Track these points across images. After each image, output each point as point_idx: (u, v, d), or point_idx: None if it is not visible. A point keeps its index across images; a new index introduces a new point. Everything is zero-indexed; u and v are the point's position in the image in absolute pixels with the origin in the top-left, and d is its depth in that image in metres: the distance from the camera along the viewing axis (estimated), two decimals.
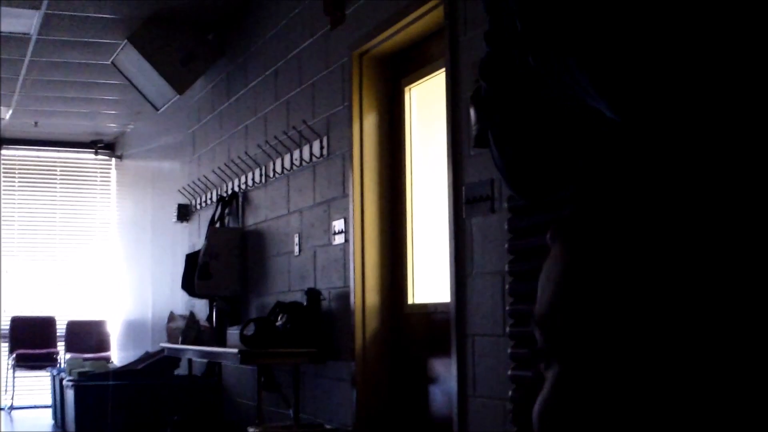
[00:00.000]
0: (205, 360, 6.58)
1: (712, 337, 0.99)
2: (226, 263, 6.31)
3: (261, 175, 6.01)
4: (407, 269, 4.58)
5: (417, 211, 4.59)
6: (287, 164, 5.55)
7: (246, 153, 6.24)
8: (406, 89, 4.67)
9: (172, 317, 6.85)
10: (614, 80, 1.04)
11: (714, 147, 1.06)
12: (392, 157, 4.74)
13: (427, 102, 4.53)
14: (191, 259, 6.64)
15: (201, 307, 6.82)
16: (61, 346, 10.51)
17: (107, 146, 10.96)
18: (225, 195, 6.65)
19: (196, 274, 6.30)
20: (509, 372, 3.14)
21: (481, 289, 3.62)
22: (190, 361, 6.92)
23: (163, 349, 6.85)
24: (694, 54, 1.01)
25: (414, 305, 4.55)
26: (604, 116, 1.08)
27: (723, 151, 1.05)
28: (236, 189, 6.48)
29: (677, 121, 1.06)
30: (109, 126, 10.20)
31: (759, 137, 1.04)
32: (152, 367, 7.13)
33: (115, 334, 10.68)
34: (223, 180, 6.72)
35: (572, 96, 1.09)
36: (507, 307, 3.23)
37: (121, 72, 7.28)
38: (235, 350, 5.07)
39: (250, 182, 6.21)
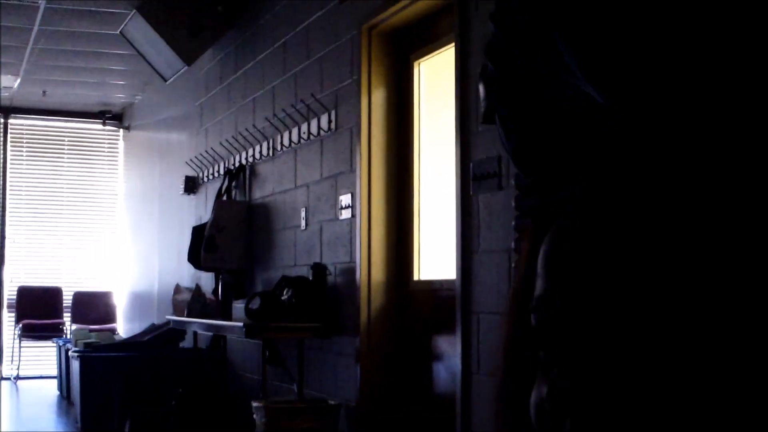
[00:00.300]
0: (210, 333, 6.59)
1: (712, 332, 0.97)
2: (232, 236, 6.30)
3: (268, 149, 5.99)
4: (414, 245, 4.57)
5: (424, 187, 4.57)
6: (295, 138, 5.53)
7: (254, 126, 6.22)
8: (415, 64, 4.63)
9: (178, 289, 6.86)
10: (600, 64, 1.02)
11: (705, 137, 1.04)
12: (400, 133, 4.72)
13: (436, 77, 4.50)
14: (198, 231, 6.63)
15: (207, 280, 6.82)
16: (67, 317, 10.55)
17: (115, 117, 10.95)
18: (232, 168, 6.63)
19: (203, 246, 6.29)
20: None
21: (488, 266, 3.60)
22: (195, 334, 6.93)
23: (168, 322, 6.86)
24: (682, 40, 0.99)
25: (420, 282, 4.54)
26: (602, 114, 1.06)
27: (714, 142, 1.03)
28: (243, 162, 6.46)
29: (663, 108, 1.05)
30: (117, 96, 10.18)
31: (748, 124, 1.03)
32: (158, 340, 7.15)
33: (121, 305, 10.71)
34: (230, 152, 6.70)
35: (572, 95, 1.08)
36: None
37: (129, 42, 7.25)
38: (240, 324, 5.07)
39: (257, 155, 6.19)
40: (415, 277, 4.56)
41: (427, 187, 4.54)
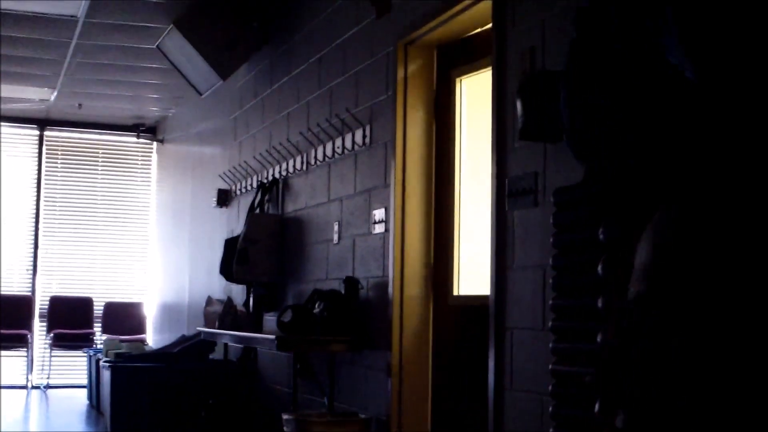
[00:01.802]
0: (241, 345, 6.62)
1: None
2: (264, 249, 6.34)
3: (302, 163, 6.03)
4: (453, 261, 4.57)
5: (465, 203, 4.57)
6: (329, 152, 5.56)
7: (288, 140, 6.26)
8: (457, 80, 4.64)
9: (209, 301, 6.89)
10: (702, 43, 1.04)
11: None
12: (440, 148, 4.72)
13: (478, 93, 4.52)
14: (230, 244, 6.67)
15: (238, 293, 6.86)
16: (97, 327, 10.63)
17: (149, 130, 11.05)
18: (265, 181, 6.67)
19: (235, 259, 6.33)
20: (550, 366, 3.13)
21: (522, 282, 3.60)
22: (225, 346, 6.96)
23: (199, 333, 6.90)
24: None
25: (456, 297, 4.54)
26: (684, 94, 1.08)
27: None
28: (277, 176, 6.50)
29: (752, 92, 1.06)
30: (151, 110, 10.27)
31: None
32: (188, 351, 7.18)
33: (151, 316, 10.77)
34: (263, 166, 6.75)
35: (658, 71, 1.10)
36: (550, 301, 3.21)
37: (165, 56, 7.33)
38: (272, 336, 5.09)
39: (290, 169, 6.23)
40: (454, 293, 4.56)
41: (468, 203, 4.54)
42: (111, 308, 10.75)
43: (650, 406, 1.25)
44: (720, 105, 1.18)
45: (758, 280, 1.18)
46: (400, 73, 4.74)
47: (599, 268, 2.05)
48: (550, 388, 3.12)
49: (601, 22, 1.33)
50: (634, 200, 1.33)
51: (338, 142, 5.42)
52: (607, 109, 1.35)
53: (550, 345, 3.14)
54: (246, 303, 6.62)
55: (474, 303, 4.32)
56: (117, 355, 7.22)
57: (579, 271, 2.92)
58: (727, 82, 1.12)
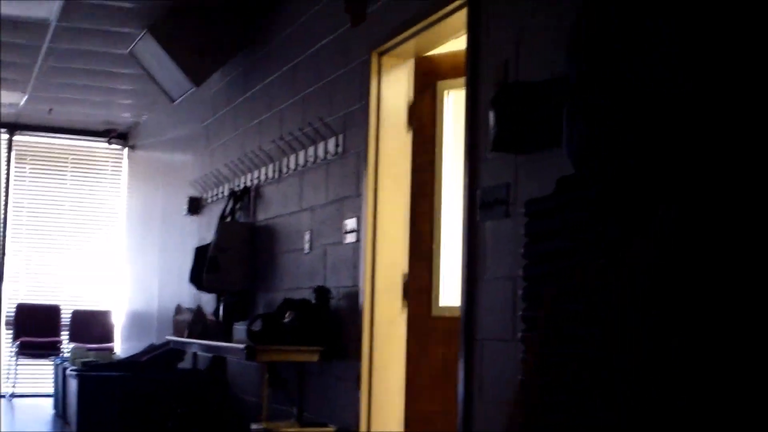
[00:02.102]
0: (210, 354, 6.58)
1: None
2: (235, 258, 6.31)
3: (274, 171, 6.01)
4: (430, 271, 4.56)
5: (448, 215, 4.56)
6: (301, 161, 5.55)
7: (260, 148, 6.24)
8: (445, 92, 4.64)
9: (179, 310, 6.85)
10: (700, 55, 1.06)
11: None
12: (420, 160, 4.71)
13: (457, 103, 4.52)
14: (200, 252, 6.64)
15: (208, 302, 6.82)
16: (65, 335, 10.53)
17: (120, 136, 10.98)
18: (237, 189, 6.65)
19: (205, 267, 6.30)
20: (519, 377, 3.13)
21: (493, 293, 3.61)
22: (195, 355, 6.92)
23: (168, 342, 6.85)
24: None
25: (441, 308, 4.54)
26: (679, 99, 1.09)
27: None
28: (248, 184, 6.48)
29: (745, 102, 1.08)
30: (123, 116, 10.22)
31: None
32: (157, 360, 7.14)
33: (119, 325, 10.69)
34: (235, 174, 6.73)
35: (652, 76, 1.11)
36: (519, 312, 3.22)
37: (138, 62, 7.29)
38: (242, 346, 5.07)
39: (262, 177, 6.21)
40: (434, 304, 4.55)
41: (452, 214, 4.53)
42: (79, 316, 10.66)
43: (650, 406, 1.26)
44: (717, 108, 1.20)
45: (759, 279, 1.20)
46: (374, 83, 4.75)
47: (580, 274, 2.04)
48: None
49: (600, 23, 1.35)
50: (635, 201, 1.34)
51: (311, 150, 5.42)
52: (608, 109, 1.36)
53: (521, 356, 3.15)
54: (216, 312, 6.59)
55: (444, 314, 4.33)
56: (84, 363, 7.16)
57: (549, 281, 2.92)
58: (724, 85, 1.14)
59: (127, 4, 6.62)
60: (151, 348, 7.68)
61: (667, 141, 1.26)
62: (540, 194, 3.23)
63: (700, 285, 1.24)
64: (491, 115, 3.45)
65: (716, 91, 1.21)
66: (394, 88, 4.78)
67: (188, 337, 6.27)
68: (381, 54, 4.74)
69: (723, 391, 1.20)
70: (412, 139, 4.75)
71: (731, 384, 1.20)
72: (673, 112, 1.26)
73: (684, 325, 1.25)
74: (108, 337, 10.60)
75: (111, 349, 9.93)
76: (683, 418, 1.23)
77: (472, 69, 3.82)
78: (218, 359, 6.74)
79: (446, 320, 4.46)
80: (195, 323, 6.30)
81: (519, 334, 3.19)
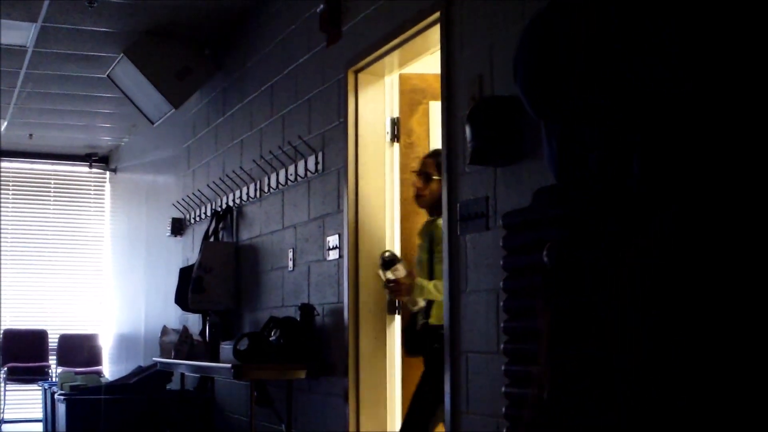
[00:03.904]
0: (197, 375, 6.56)
1: None
2: (219, 278, 6.30)
3: (256, 190, 6.02)
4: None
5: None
6: (282, 179, 5.55)
7: (241, 168, 6.24)
8: (423, 106, 4.66)
9: (165, 331, 6.83)
10: (699, 57, 1.08)
11: None
12: (407, 173, 4.71)
13: (432, 118, 4.54)
14: (185, 273, 6.63)
15: (194, 322, 6.81)
16: (53, 359, 10.48)
17: (102, 159, 10.96)
18: (219, 209, 6.65)
19: (190, 288, 6.29)
20: (503, 389, 3.14)
21: (475, 306, 3.62)
22: (182, 375, 6.90)
23: (155, 364, 6.83)
24: None
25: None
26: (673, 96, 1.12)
27: None
28: (231, 203, 6.48)
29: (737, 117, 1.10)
30: (103, 139, 10.20)
31: None
32: (144, 382, 7.10)
33: (107, 348, 10.64)
34: (217, 194, 6.72)
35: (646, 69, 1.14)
36: (501, 324, 3.23)
37: (116, 85, 7.29)
38: (228, 365, 5.06)
39: (244, 197, 6.21)
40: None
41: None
42: (66, 340, 10.60)
43: (650, 407, 1.26)
44: (717, 107, 1.22)
45: (759, 280, 1.21)
46: (351, 100, 4.76)
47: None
48: (503, 410, 3.14)
49: (601, 22, 1.37)
50: (636, 202, 1.35)
51: (291, 169, 5.42)
52: (608, 109, 1.37)
53: (503, 367, 3.16)
54: (202, 332, 6.57)
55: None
56: (72, 387, 7.12)
57: (529, 294, 2.94)
58: (725, 85, 1.17)
59: (102, 29, 6.62)
60: (139, 370, 7.64)
61: (668, 141, 1.26)
62: (519, 206, 3.25)
63: (700, 285, 1.25)
64: (468, 130, 3.47)
65: (717, 91, 1.23)
66: (372, 105, 4.79)
67: (175, 358, 6.25)
68: (357, 71, 4.76)
69: (723, 391, 1.21)
70: (404, 154, 4.75)
71: (731, 385, 1.21)
72: (673, 112, 1.27)
73: (683, 325, 1.27)
74: (96, 360, 10.55)
75: (99, 372, 9.87)
76: (683, 419, 1.24)
77: (447, 84, 3.84)
78: (206, 379, 6.72)
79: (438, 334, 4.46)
80: (181, 344, 6.28)
81: (502, 346, 3.21)
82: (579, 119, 1.43)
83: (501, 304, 3.26)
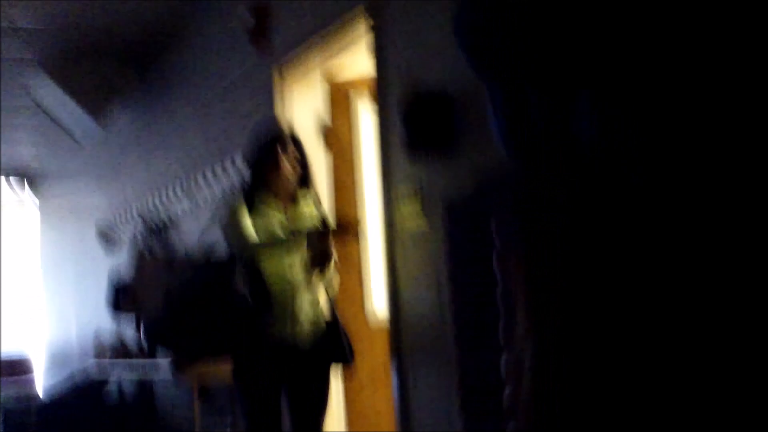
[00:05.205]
0: (135, 377, 6.30)
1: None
2: (153, 292, 6.13)
3: (189, 202, 5.88)
4: (359, 284, 4.49)
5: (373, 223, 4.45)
6: (215, 189, 5.42)
7: (172, 181, 6.10)
8: (348, 112, 4.58)
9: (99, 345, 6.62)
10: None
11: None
12: (338, 179, 4.62)
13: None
14: (117, 287, 6.44)
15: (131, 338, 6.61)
16: None
17: (29, 180, 10.56)
18: (152, 223, 6.47)
19: (120, 301, 6.14)
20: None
21: (416, 299, 3.56)
22: (120, 387, 6.64)
23: (87, 372, 6.56)
24: None
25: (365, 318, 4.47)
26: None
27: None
28: (163, 217, 6.32)
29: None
30: (29, 159, 9.85)
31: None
32: (77, 394, 6.73)
33: (41, 364, 10.26)
34: (149, 208, 6.55)
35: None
36: (450, 317, 3.19)
37: (39, 106, 7.05)
38: (167, 360, 4.82)
39: (177, 209, 6.07)
40: (369, 314, 4.49)
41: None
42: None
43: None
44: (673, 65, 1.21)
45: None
46: (280, 108, 4.65)
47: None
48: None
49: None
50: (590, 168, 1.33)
51: (225, 180, 5.30)
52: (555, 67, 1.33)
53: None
54: (138, 342, 6.36)
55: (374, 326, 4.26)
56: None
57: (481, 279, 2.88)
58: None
59: (21, 55, 6.38)
60: (71, 377, 7.25)
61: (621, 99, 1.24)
62: (454, 195, 3.18)
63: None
64: (400, 124, 3.42)
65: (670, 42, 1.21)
66: (302, 113, 4.65)
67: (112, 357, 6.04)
68: (285, 77, 4.64)
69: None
70: (333, 161, 4.65)
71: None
72: (624, 72, 1.24)
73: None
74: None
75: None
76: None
77: (380, 80, 3.75)
78: (145, 388, 6.49)
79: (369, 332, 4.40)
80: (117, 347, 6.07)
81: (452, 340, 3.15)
82: (524, 78, 1.37)
83: (446, 296, 3.19)
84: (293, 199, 3.47)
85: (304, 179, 3.49)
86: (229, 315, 3.41)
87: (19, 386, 9.26)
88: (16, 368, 10.08)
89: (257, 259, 3.35)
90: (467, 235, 2.98)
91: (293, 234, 3.38)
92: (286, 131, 3.54)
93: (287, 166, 3.42)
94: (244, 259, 3.36)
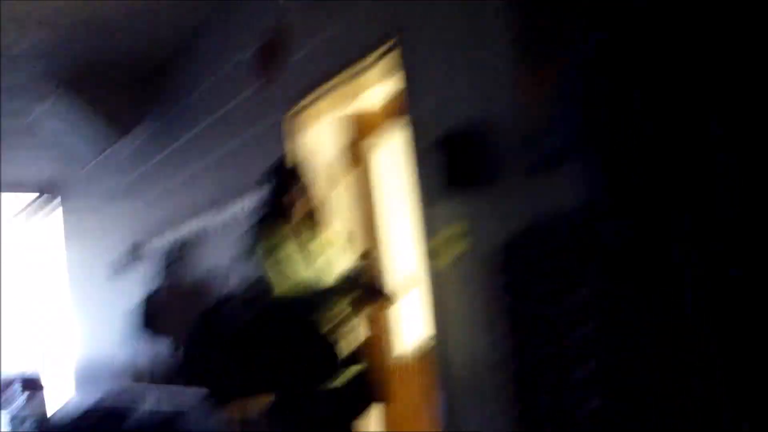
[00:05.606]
0: (169, 407, 6.22)
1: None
2: (180, 312, 6.07)
3: (209, 225, 5.80)
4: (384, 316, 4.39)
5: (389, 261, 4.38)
6: (236, 214, 5.35)
7: (193, 205, 5.99)
8: (364, 146, 4.46)
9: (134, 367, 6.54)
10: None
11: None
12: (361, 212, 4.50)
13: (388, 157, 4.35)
14: (144, 304, 6.36)
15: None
16: None
17: (51, 193, 10.44)
18: (180, 246, 6.39)
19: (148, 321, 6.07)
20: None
21: (462, 333, 3.47)
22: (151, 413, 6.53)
23: (119, 395, 6.47)
24: None
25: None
26: None
27: None
28: (184, 239, 6.23)
29: None
30: (50, 174, 9.74)
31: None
32: (108, 418, 6.58)
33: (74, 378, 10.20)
34: (177, 230, 6.46)
35: None
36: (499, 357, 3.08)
37: (50, 125, 6.98)
38: (205, 389, 4.69)
39: (197, 231, 6.00)
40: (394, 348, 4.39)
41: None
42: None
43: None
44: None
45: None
46: (292, 144, 4.51)
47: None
48: None
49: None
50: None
51: (242, 204, 5.21)
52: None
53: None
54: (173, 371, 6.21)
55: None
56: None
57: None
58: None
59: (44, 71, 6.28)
60: (101, 399, 7.11)
61: None
62: (501, 230, 3.08)
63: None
64: (436, 159, 3.32)
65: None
66: (315, 147, 4.51)
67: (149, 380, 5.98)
68: (298, 113, 4.47)
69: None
70: (354, 198, 4.49)
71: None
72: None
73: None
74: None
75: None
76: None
77: (412, 117, 3.63)
78: (178, 417, 6.30)
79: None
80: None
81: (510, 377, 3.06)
82: None
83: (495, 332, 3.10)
84: (312, 234, 3.41)
85: (319, 215, 3.45)
86: (281, 354, 3.38)
87: (32, 405, 9.25)
88: (29, 386, 10.04)
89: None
90: (525, 273, 2.89)
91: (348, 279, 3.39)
92: (302, 167, 3.51)
93: (304, 201, 3.36)
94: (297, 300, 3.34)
